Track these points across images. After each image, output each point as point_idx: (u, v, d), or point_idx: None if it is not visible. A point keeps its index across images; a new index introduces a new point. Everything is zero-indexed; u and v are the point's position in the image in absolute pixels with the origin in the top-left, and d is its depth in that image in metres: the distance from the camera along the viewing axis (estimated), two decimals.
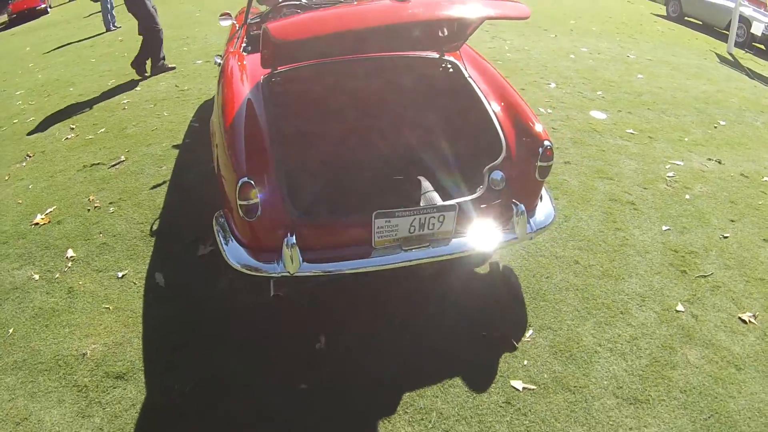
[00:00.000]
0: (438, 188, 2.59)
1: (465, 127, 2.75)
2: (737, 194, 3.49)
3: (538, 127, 2.35)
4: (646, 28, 9.24)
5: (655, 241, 2.95)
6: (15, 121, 5.17)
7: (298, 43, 2.10)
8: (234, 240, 2.22)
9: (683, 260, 2.81)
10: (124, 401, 2.17)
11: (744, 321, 2.49)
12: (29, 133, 4.76)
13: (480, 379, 2.15)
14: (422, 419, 2.02)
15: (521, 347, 2.29)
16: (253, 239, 2.19)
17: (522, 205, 2.23)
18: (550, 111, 4.57)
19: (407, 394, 2.11)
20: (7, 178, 3.96)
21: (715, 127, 4.57)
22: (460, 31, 2.56)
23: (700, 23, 10.75)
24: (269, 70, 2.69)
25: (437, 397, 2.10)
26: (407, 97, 2.95)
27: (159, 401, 2.16)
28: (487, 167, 2.27)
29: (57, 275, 2.90)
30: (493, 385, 2.13)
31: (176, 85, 5.71)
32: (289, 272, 2.10)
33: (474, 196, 2.25)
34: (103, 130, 4.75)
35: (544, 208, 2.47)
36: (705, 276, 2.70)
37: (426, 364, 2.24)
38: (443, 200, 2.40)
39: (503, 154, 2.31)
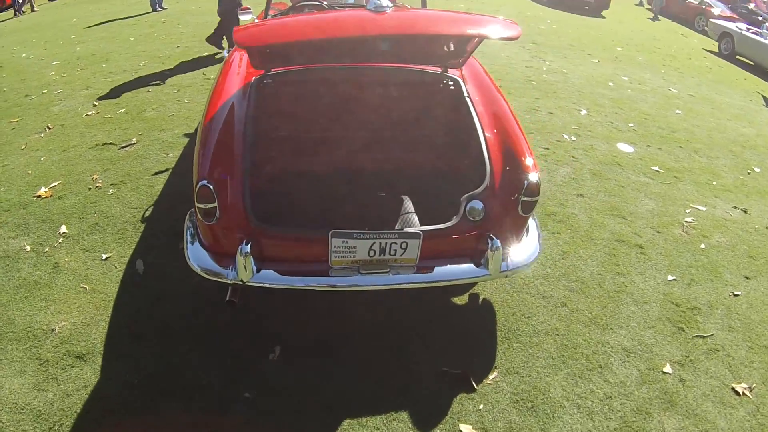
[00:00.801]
0: (420, 210, 2.54)
1: (453, 149, 2.70)
2: (758, 249, 3.28)
3: (528, 159, 2.28)
4: (693, 63, 8.88)
5: (656, 291, 2.81)
6: (44, 91, 5.43)
7: (269, 48, 2.11)
8: (198, 241, 2.25)
9: (683, 316, 2.66)
10: (77, 381, 2.25)
11: (737, 392, 2.33)
12: (54, 105, 4.99)
13: (428, 418, 2.11)
14: None
15: (481, 389, 2.22)
16: (213, 243, 2.23)
17: (497, 241, 2.16)
18: (574, 138, 4.43)
19: (347, 420, 2.09)
20: (23, 147, 4.16)
21: (749, 173, 4.33)
22: (456, 46, 2.50)
23: (752, 63, 10.43)
24: (262, 71, 2.71)
25: (377, 429, 2.07)
26: (401, 111, 2.92)
27: (108, 388, 2.23)
28: (465, 195, 2.21)
29: (47, 249, 3.02)
30: (440, 425, 2.08)
31: (203, 73, 5.86)
32: (241, 280, 2.10)
33: (446, 224, 2.21)
34: (123, 110, 4.92)
35: (528, 246, 2.38)
36: (704, 336, 2.55)
37: (376, 392, 2.21)
38: (422, 224, 2.35)
39: (485, 184, 2.25)
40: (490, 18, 2.11)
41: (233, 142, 2.30)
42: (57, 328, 2.50)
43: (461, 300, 2.71)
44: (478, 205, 2.21)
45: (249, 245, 2.09)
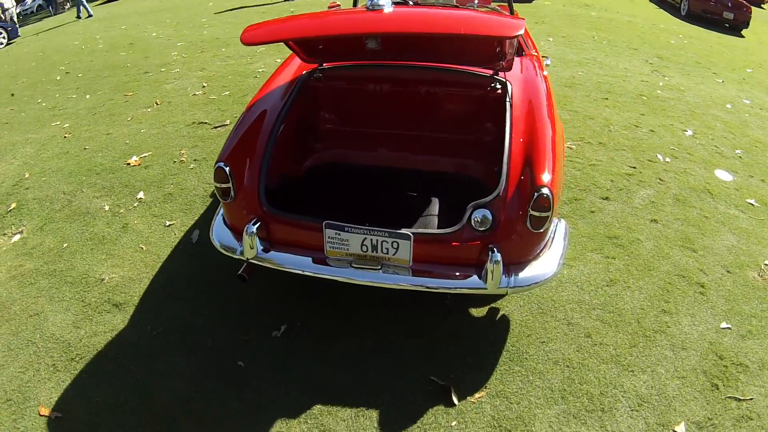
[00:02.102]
0: (446, 213, 2.57)
1: (487, 155, 2.63)
2: None
3: (545, 173, 2.16)
4: None
5: (702, 337, 2.49)
6: (162, 70, 6.22)
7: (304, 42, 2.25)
8: (223, 219, 2.49)
9: (724, 371, 2.33)
10: (107, 325, 2.65)
11: None
12: (168, 83, 5.69)
13: (397, 422, 2.14)
14: None
15: (461, 406, 2.18)
16: (231, 220, 2.45)
17: (498, 254, 2.09)
18: (668, 160, 4.01)
19: (319, 405, 2.20)
20: (129, 119, 4.84)
21: None
22: (490, 47, 2.43)
23: None
24: (315, 65, 2.88)
25: (344, 421, 2.14)
26: (446, 112, 2.94)
27: (129, 335, 2.59)
28: (472, 203, 2.16)
29: (122, 211, 3.52)
30: None
31: None
32: (245, 257, 2.29)
33: (443, 231, 2.20)
34: (227, 93, 5.46)
35: (541, 264, 2.26)
36: (739, 399, 2.21)
37: (358, 386, 2.29)
38: (440, 228, 2.34)
39: (497, 193, 2.19)
40: (485, 15, 2.04)
41: (261, 129, 2.50)
42: (107, 278, 2.92)
43: (479, 312, 2.66)
44: (486, 214, 2.15)
45: (256, 226, 2.29)
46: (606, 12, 10.76)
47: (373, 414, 2.16)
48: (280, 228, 2.33)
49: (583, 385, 2.27)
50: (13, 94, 5.87)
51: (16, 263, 3.07)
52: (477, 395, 2.22)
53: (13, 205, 3.57)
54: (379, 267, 2.20)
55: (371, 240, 2.15)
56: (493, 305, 2.68)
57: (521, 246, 2.22)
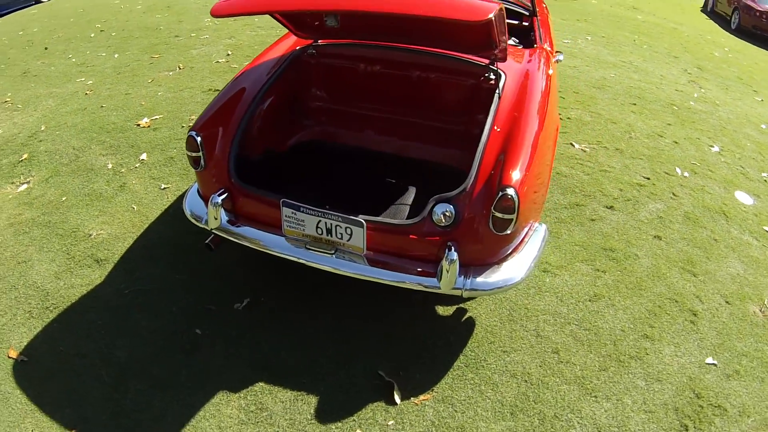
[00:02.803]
0: (420, 203, 2.48)
1: (471, 146, 2.52)
2: None
3: (515, 172, 2.05)
4: None
5: (682, 371, 2.34)
6: (192, 35, 6.28)
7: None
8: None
9: (698, 412, 2.18)
10: (84, 279, 2.75)
11: None
12: (194, 48, 5.76)
13: (333, 412, 2.13)
14: (252, 412, 2.13)
15: (402, 406, 2.15)
16: (202, 190, 2.46)
17: (455, 253, 2.01)
18: (686, 175, 3.76)
19: (261, 383, 2.23)
20: (150, 81, 4.93)
21: None
22: (475, 35, 2.31)
23: None
24: (311, 41, 2.84)
25: (283, 402, 2.16)
26: (436, 99, 2.86)
27: (101, 290, 2.68)
28: (436, 196, 2.08)
29: (123, 170, 3.61)
30: (338, 423, 2.09)
31: None
32: (207, 227, 2.30)
33: (398, 221, 2.16)
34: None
35: (506, 270, 2.16)
36: None
37: (302, 370, 2.29)
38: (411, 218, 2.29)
39: (463, 188, 2.10)
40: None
41: (240, 101, 2.49)
42: (94, 234, 3.01)
43: (445, 310, 2.60)
44: (448, 209, 2.07)
45: (222, 197, 2.31)
46: (653, 17, 10.16)
47: (313, 400, 2.16)
48: (245, 202, 2.34)
49: (538, 404, 2.18)
50: (46, 48, 6.08)
51: (17, 212, 3.20)
52: (422, 397, 2.18)
53: (25, 156, 3.72)
54: (333, 251, 2.17)
55: (325, 223, 2.13)
56: (461, 306, 2.62)
57: (483, 247, 2.13)
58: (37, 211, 3.18)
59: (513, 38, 3.42)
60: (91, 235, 3.01)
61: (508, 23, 3.59)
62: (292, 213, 2.16)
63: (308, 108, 3.08)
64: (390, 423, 2.08)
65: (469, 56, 2.65)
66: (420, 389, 2.21)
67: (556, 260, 2.93)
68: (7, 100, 4.66)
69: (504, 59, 2.52)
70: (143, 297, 2.62)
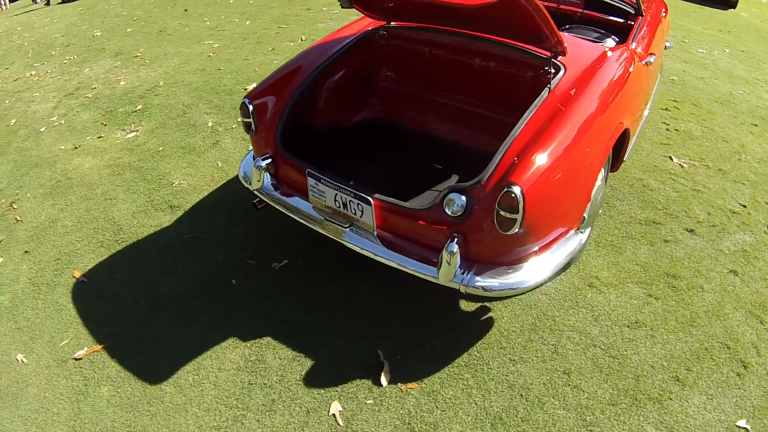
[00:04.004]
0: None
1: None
2: None
3: (529, 170, 1.93)
4: None
5: (705, 428, 2.04)
6: (324, 9, 6.63)
7: None
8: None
9: None
10: (153, 221, 3.15)
11: None
12: (320, 22, 6.08)
13: (320, 379, 2.23)
14: (251, 362, 2.32)
15: (387, 389, 2.18)
16: (255, 153, 2.67)
17: (455, 245, 1.97)
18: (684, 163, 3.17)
19: (268, 338, 2.40)
20: (270, 50, 5.34)
21: None
22: (525, 26, 2.17)
23: None
24: (384, 22, 2.90)
25: (281, 359, 2.31)
26: (496, 90, 2.78)
27: (166, 235, 3.04)
28: (449, 185, 2.05)
29: (220, 129, 4.00)
30: (323, 390, 2.19)
31: None
32: (251, 187, 2.57)
33: (412, 206, 2.14)
34: None
35: (519, 273, 2.07)
36: None
37: (308, 334, 2.42)
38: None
39: (478, 179, 2.03)
40: None
41: (297, 75, 2.64)
42: (176, 183, 3.40)
43: (467, 306, 2.55)
44: (460, 200, 2.01)
45: (266, 161, 2.51)
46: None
47: (308, 363, 2.28)
48: (284, 168, 2.51)
49: (523, 423, 2.07)
50: (186, 10, 6.79)
51: (119, 155, 3.72)
52: (409, 385, 2.19)
53: (140, 107, 4.28)
54: (348, 225, 2.24)
55: (341, 197, 2.20)
56: (486, 305, 2.55)
57: (489, 245, 2.05)
58: (135, 157, 3.67)
59: (612, 36, 3.19)
60: (173, 183, 3.41)
61: (609, 20, 3.35)
62: (315, 183, 2.27)
63: (378, 87, 3.17)
64: (369, 402, 2.13)
65: (531, 47, 2.52)
66: (410, 378, 2.22)
67: (607, 276, 2.70)
68: (138, 54, 5.36)
69: (563, 53, 2.36)
70: (198, 244, 2.93)
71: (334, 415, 2.09)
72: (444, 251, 1.99)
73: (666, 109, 4.31)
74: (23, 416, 2.16)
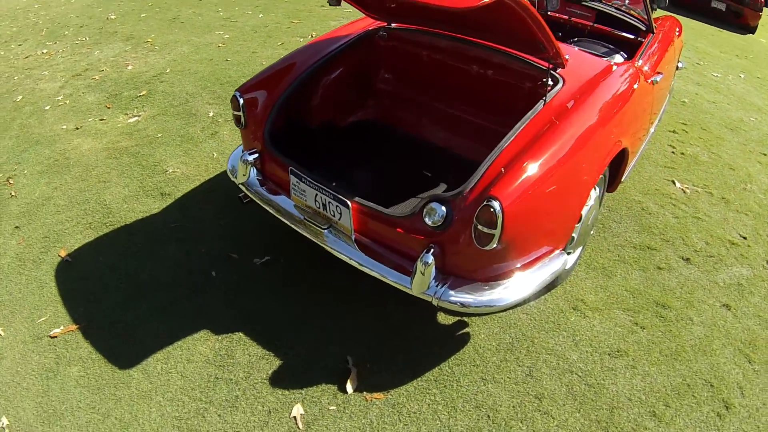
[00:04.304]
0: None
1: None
2: None
3: (512, 184, 1.87)
4: None
5: None
6: (337, 6, 6.55)
7: None
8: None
9: None
10: (145, 207, 3.14)
11: None
12: (333, 20, 6.05)
13: (286, 380, 2.20)
14: (220, 356, 2.30)
15: (351, 397, 2.14)
16: (243, 146, 2.66)
17: (431, 256, 1.92)
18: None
19: (240, 334, 2.39)
20: (279, 44, 5.34)
21: None
22: (520, 33, 2.12)
23: None
24: (384, 23, 2.87)
25: (250, 356, 2.30)
26: (489, 97, 2.75)
27: (154, 222, 3.03)
28: (428, 193, 2.00)
29: (220, 120, 4.00)
30: (286, 392, 2.16)
31: None
32: (236, 181, 2.56)
33: (391, 212, 2.09)
34: None
35: (495, 291, 2.01)
36: None
37: (282, 334, 2.40)
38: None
39: (461, 190, 1.97)
40: None
41: (291, 71, 2.62)
42: (170, 171, 3.41)
43: (445, 319, 2.51)
44: (440, 210, 1.95)
45: (253, 156, 2.49)
46: None
47: (276, 363, 2.26)
48: (270, 164, 2.49)
49: None
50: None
51: (117, 139, 3.73)
52: (375, 395, 2.15)
53: (144, 92, 4.30)
54: (327, 227, 2.22)
55: (321, 198, 2.18)
56: (464, 319, 2.50)
57: (466, 259, 2.00)
58: (133, 142, 3.68)
59: (621, 52, 3.13)
60: (167, 171, 3.41)
61: (620, 36, 3.28)
62: (297, 182, 2.25)
63: (375, 89, 3.14)
64: (332, 408, 2.09)
65: (531, 58, 2.47)
66: (377, 387, 2.18)
67: (593, 300, 2.64)
68: (149, 41, 5.38)
69: (562, 65, 2.30)
70: (184, 233, 2.91)
71: (295, 417, 2.06)
72: (418, 261, 1.95)
73: (674, 131, 4.22)
74: None
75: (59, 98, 4.29)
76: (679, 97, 4.89)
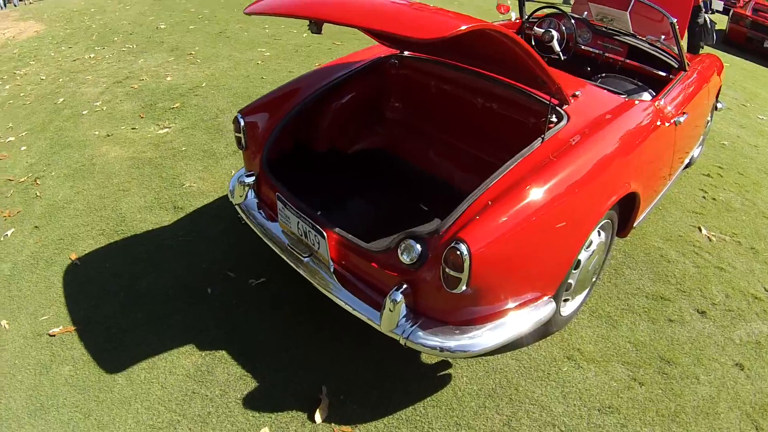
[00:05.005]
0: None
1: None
2: None
3: (481, 224, 1.82)
4: None
5: None
6: None
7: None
8: None
9: None
10: (157, 218, 3.28)
11: None
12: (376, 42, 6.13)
13: (258, 405, 2.23)
14: (201, 372, 2.35)
15: (319, 427, 2.13)
16: (246, 167, 2.72)
17: (400, 294, 1.90)
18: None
19: (222, 352, 2.43)
20: (317, 64, 5.48)
21: None
22: (521, 67, 2.08)
23: None
24: (397, 51, 2.91)
25: (229, 375, 2.34)
26: (493, 132, 2.72)
27: (163, 234, 3.16)
28: (409, 231, 1.97)
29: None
30: (256, 414, 2.19)
31: None
32: (233, 201, 2.65)
33: (368, 246, 2.08)
34: None
35: (467, 336, 1.95)
36: None
37: (263, 356, 2.43)
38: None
39: (435, 228, 1.93)
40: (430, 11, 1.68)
41: (295, 95, 2.69)
42: (187, 185, 3.56)
43: (427, 358, 2.46)
44: (416, 247, 1.92)
45: (250, 178, 2.57)
46: None
47: (251, 385, 2.29)
48: (264, 188, 2.56)
49: None
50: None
51: (144, 149, 3.93)
52: (343, 427, 2.14)
53: (177, 105, 4.51)
54: (308, 255, 2.24)
55: (302, 226, 2.21)
56: (448, 360, 2.44)
57: (436, 300, 1.95)
58: (158, 153, 3.86)
59: (650, 90, 3.01)
60: (184, 185, 3.55)
61: (651, 72, 3.17)
62: (282, 207, 2.30)
63: (383, 117, 3.17)
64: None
65: (536, 92, 2.42)
66: (346, 420, 2.17)
67: (591, 351, 2.53)
68: (192, 53, 5.65)
69: (566, 101, 2.25)
70: (189, 247, 3.03)
71: None
72: (387, 298, 1.92)
73: (708, 174, 4.02)
74: None
75: (97, 104, 4.58)
76: (718, 139, 4.67)
